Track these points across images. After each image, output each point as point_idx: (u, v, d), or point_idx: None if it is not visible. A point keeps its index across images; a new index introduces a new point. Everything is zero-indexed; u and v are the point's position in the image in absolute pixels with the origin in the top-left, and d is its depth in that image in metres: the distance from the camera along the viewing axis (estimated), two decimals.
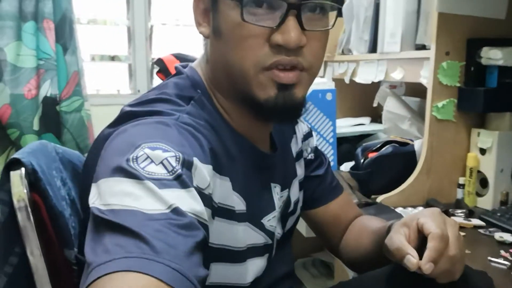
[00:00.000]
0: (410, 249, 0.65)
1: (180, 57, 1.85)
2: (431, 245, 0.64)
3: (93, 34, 2.13)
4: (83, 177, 0.75)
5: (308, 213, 0.97)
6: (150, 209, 0.52)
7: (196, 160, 0.60)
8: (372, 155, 1.40)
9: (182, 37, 2.40)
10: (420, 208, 1.24)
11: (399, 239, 0.67)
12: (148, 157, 0.56)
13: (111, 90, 2.33)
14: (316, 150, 0.99)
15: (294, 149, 0.92)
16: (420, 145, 1.38)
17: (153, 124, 0.63)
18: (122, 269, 0.47)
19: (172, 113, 0.67)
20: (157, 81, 2.27)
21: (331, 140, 1.60)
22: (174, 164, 0.57)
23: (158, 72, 1.92)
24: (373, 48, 1.67)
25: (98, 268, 0.47)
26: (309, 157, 0.97)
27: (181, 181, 0.56)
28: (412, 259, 0.64)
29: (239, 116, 0.74)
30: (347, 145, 1.71)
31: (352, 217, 0.98)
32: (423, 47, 1.42)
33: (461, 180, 1.32)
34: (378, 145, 1.44)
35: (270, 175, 0.81)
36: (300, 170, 0.93)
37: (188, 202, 0.55)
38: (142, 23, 2.28)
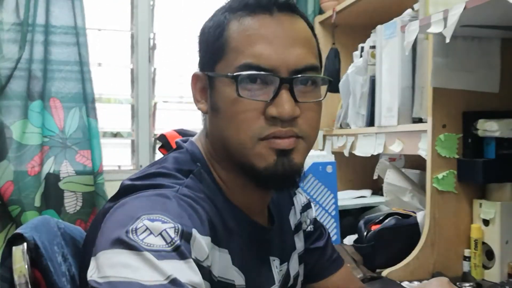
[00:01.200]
0: None
1: (182, 133, 1.88)
2: None
3: (98, 112, 2.18)
4: (83, 253, 0.75)
5: (308, 286, 0.95)
6: (148, 280, 0.52)
7: (195, 232, 0.61)
8: (375, 227, 1.39)
9: (184, 113, 2.46)
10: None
11: None
12: (147, 228, 0.57)
13: (112, 166, 2.35)
14: (315, 222, 0.98)
15: (293, 221, 0.91)
16: (422, 217, 1.37)
17: (153, 196, 0.65)
18: None
19: (172, 186, 0.68)
20: (159, 156, 2.29)
21: (333, 213, 1.59)
22: (173, 235, 0.58)
23: (160, 148, 1.95)
24: (370, 122, 1.71)
25: None
26: (309, 229, 0.96)
27: (180, 252, 0.57)
28: None
29: (238, 188, 0.75)
30: (349, 218, 1.71)
31: None
32: (420, 120, 1.46)
33: (467, 252, 1.30)
34: (381, 217, 1.43)
35: (268, 249, 0.80)
36: (299, 243, 0.92)
37: (186, 273, 0.56)
38: (145, 101, 2.35)
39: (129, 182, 0.71)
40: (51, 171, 2.06)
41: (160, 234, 0.57)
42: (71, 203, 2.12)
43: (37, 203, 2.02)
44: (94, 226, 0.70)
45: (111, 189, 2.18)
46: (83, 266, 0.70)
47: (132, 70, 2.35)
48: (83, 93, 2.08)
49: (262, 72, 0.68)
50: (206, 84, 0.75)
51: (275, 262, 0.81)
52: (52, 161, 2.07)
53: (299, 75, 0.70)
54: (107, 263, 0.55)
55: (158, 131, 2.36)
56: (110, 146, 2.38)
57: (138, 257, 0.54)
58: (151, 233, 0.57)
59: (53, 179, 2.07)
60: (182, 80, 2.45)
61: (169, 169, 0.73)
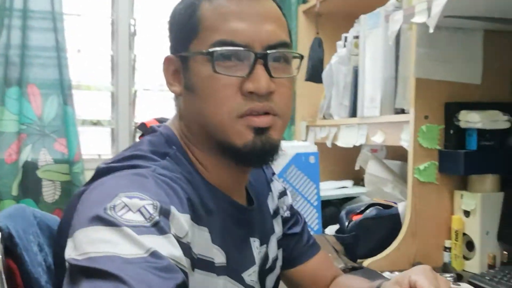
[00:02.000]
0: None
1: (163, 121, 1.86)
2: None
3: (76, 99, 2.14)
4: (58, 237, 0.73)
5: (286, 272, 0.96)
6: (128, 253, 0.53)
7: (173, 209, 0.61)
8: (356, 218, 1.40)
9: (165, 102, 2.43)
10: None
11: None
12: (125, 205, 0.57)
13: (92, 154, 2.31)
14: (291, 208, 1.00)
15: (271, 206, 0.92)
16: (403, 208, 1.38)
17: (130, 175, 0.64)
18: None
19: (148, 166, 0.68)
20: None
21: (315, 203, 1.59)
22: (151, 211, 0.58)
23: (140, 136, 1.92)
24: (353, 113, 1.70)
25: None
26: (285, 214, 0.97)
27: (159, 227, 0.57)
28: None
29: (215, 169, 0.76)
30: (331, 208, 1.71)
31: (331, 276, 0.97)
32: (402, 111, 1.46)
33: (447, 243, 1.31)
34: (362, 208, 1.43)
35: (248, 229, 0.81)
36: (277, 227, 0.93)
37: (166, 247, 0.56)
38: (126, 89, 2.31)
39: (104, 165, 0.71)
40: (29, 159, 2.02)
41: (139, 210, 0.57)
42: (50, 192, 2.08)
43: (15, 192, 1.99)
44: (69, 209, 0.68)
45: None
46: (58, 252, 0.68)
47: (112, 57, 2.31)
48: (60, 80, 2.04)
49: (237, 48, 0.69)
50: (179, 67, 0.76)
51: (255, 243, 0.82)
52: (30, 149, 2.03)
53: (274, 50, 0.71)
54: (86, 240, 0.55)
55: (139, 119, 2.32)
56: (89, 134, 2.34)
57: (118, 232, 0.54)
58: (129, 209, 0.57)
59: (31, 168, 2.03)
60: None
61: (144, 151, 0.72)
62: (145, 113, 2.35)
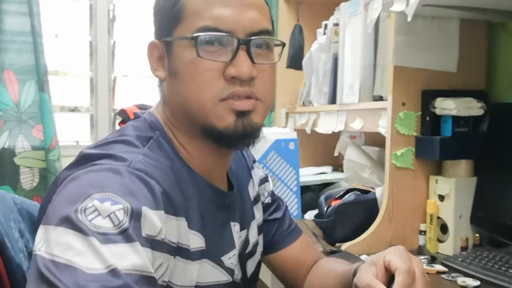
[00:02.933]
0: (379, 285, 0.68)
1: (143, 108, 1.85)
2: (398, 280, 0.67)
3: (53, 85, 2.11)
4: (39, 219, 0.73)
5: (269, 257, 0.99)
6: (89, 267, 0.54)
7: (145, 209, 0.62)
8: (335, 202, 1.42)
9: (145, 88, 2.41)
10: None
11: (368, 277, 0.69)
12: (96, 209, 0.58)
13: (69, 141, 2.29)
14: (272, 194, 1.02)
15: (252, 192, 0.94)
16: (381, 193, 1.41)
17: (104, 172, 0.65)
18: None
19: (125, 158, 0.68)
20: None
21: (294, 189, 1.61)
22: (121, 217, 0.59)
23: (120, 123, 1.91)
24: (332, 100, 1.72)
25: None
26: (266, 201, 1.00)
27: (126, 235, 0.58)
28: None
29: (198, 154, 0.77)
30: (310, 194, 1.73)
31: (313, 259, 0.99)
32: (380, 98, 1.48)
33: (422, 227, 1.34)
34: (341, 193, 1.46)
35: (229, 214, 0.83)
36: (258, 213, 0.94)
37: (129, 257, 0.57)
38: (105, 75, 2.29)
39: (87, 151, 0.71)
40: (6, 146, 2.00)
41: (109, 216, 0.58)
42: (27, 179, 2.06)
43: None
44: (48, 194, 0.69)
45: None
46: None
47: (90, 43, 2.28)
48: (36, 66, 2.01)
49: (221, 33, 0.71)
50: (163, 52, 0.77)
51: (235, 227, 0.84)
52: (7, 136, 2.00)
53: (256, 37, 0.73)
54: (54, 240, 0.56)
55: (118, 106, 2.31)
56: (68, 121, 2.32)
57: (84, 241, 0.56)
58: (99, 214, 0.58)
59: (8, 154, 2.00)
60: (143, 54, 2.39)
61: (128, 136, 0.73)
62: (124, 100, 2.34)
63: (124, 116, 1.89)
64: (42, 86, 2.01)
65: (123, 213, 0.59)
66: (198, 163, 0.77)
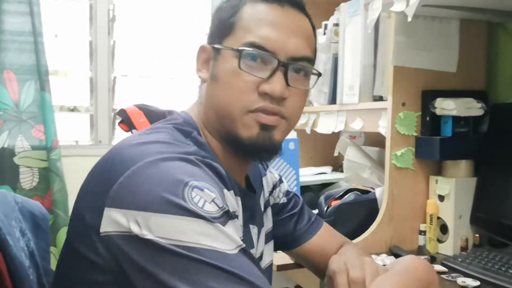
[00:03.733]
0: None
1: (143, 108, 1.85)
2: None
3: (53, 85, 2.11)
4: (85, 199, 0.72)
5: (295, 251, 1.03)
6: (228, 248, 0.61)
7: (225, 191, 0.69)
8: (335, 203, 1.42)
9: (145, 88, 2.41)
10: (384, 256, 1.25)
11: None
12: (201, 196, 0.63)
13: (69, 141, 2.29)
14: (287, 193, 1.05)
15: (261, 201, 0.96)
16: (381, 193, 1.41)
17: (179, 161, 0.68)
18: None
19: (186, 148, 0.72)
20: (119, 131, 2.25)
21: (294, 189, 1.61)
22: (220, 202, 0.65)
23: (120, 123, 1.91)
24: (332, 100, 1.72)
25: None
26: (282, 201, 1.03)
27: (229, 215, 0.65)
28: None
29: (224, 154, 0.82)
30: (310, 194, 1.73)
31: (337, 245, 1.02)
32: (380, 98, 1.48)
33: (422, 227, 1.35)
34: (341, 193, 1.46)
35: (250, 216, 0.86)
36: (266, 221, 0.96)
37: (237, 232, 0.65)
38: (105, 75, 2.29)
39: (141, 139, 0.72)
40: (6, 145, 2.00)
41: (213, 201, 0.64)
42: (27, 179, 2.06)
43: None
44: (107, 169, 0.70)
45: (67, 164, 2.13)
46: (79, 219, 0.70)
47: (90, 43, 2.28)
48: (37, 66, 2.01)
49: (264, 52, 0.76)
50: (210, 56, 0.82)
51: (254, 230, 0.87)
52: (7, 136, 2.00)
53: (295, 62, 0.78)
54: (173, 228, 0.60)
55: (118, 106, 2.31)
56: (67, 121, 2.32)
57: (209, 226, 0.61)
58: (205, 200, 0.63)
59: (7, 154, 2.01)
60: (143, 54, 2.39)
61: (171, 129, 0.77)
62: (124, 100, 2.34)
63: (123, 116, 1.88)
64: (43, 85, 2.02)
65: (219, 198, 0.65)
66: (224, 163, 0.80)
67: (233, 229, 0.64)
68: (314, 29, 0.84)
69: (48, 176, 2.05)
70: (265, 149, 0.78)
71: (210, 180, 0.67)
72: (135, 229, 0.61)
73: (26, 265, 0.77)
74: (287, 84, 0.77)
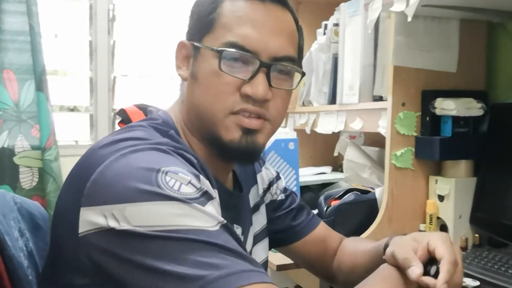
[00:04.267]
0: (417, 261, 0.70)
1: (143, 108, 1.85)
2: (445, 268, 0.68)
3: (53, 85, 2.11)
4: (63, 200, 0.72)
5: (295, 246, 1.01)
6: (209, 226, 0.60)
7: (201, 177, 0.67)
8: (334, 202, 1.42)
9: (145, 88, 2.41)
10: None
11: (408, 251, 0.71)
12: (176, 180, 0.62)
13: (68, 141, 2.29)
14: (285, 190, 1.04)
15: (253, 199, 0.94)
16: (380, 193, 1.41)
17: (152, 151, 0.67)
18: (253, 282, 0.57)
19: (158, 140, 0.71)
20: None
21: (294, 189, 1.61)
22: (197, 183, 0.64)
23: (120, 123, 1.91)
24: (332, 100, 1.72)
25: (224, 281, 0.55)
26: (279, 198, 1.02)
27: (208, 195, 0.65)
28: (416, 270, 0.69)
29: (206, 155, 0.79)
30: (309, 194, 1.73)
31: (338, 241, 1.02)
32: (380, 99, 1.48)
33: (422, 227, 1.35)
34: (340, 193, 1.46)
35: (234, 216, 0.84)
36: (257, 220, 0.95)
37: (218, 212, 0.65)
38: (105, 74, 2.29)
39: (117, 136, 0.71)
40: (5, 145, 1.99)
41: (190, 182, 0.63)
42: (27, 179, 2.06)
43: None
44: (82, 171, 0.68)
45: (67, 164, 2.12)
46: (61, 216, 0.70)
47: (90, 43, 2.28)
48: (33, 66, 2.00)
49: (245, 53, 0.74)
50: (190, 53, 0.79)
51: (238, 230, 0.85)
52: (7, 135, 2.00)
53: (277, 63, 0.75)
54: (150, 214, 0.59)
55: (118, 106, 2.31)
56: (67, 121, 2.32)
57: (188, 207, 0.60)
58: (181, 183, 0.62)
59: (7, 154, 2.00)
60: (143, 54, 2.39)
61: (146, 127, 0.75)
62: (124, 100, 2.33)
63: (123, 116, 1.89)
64: (39, 85, 2.01)
65: (195, 179, 0.64)
66: (206, 163, 0.78)
67: (213, 209, 0.63)
68: (297, 24, 0.82)
69: (44, 176, 2.05)
70: (248, 153, 0.77)
71: (184, 166, 0.66)
72: (113, 223, 0.60)
73: (25, 265, 0.77)
74: (270, 85, 0.75)
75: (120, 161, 0.64)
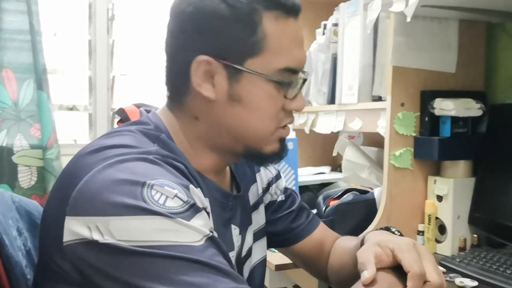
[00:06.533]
0: (371, 266, 0.69)
1: (141, 107, 1.85)
2: (411, 284, 0.66)
3: (52, 84, 2.11)
4: (49, 207, 0.71)
5: (294, 248, 1.01)
6: (193, 241, 0.59)
7: (191, 186, 0.67)
8: (333, 202, 1.42)
9: (144, 87, 2.41)
10: None
11: (368, 257, 0.70)
12: (162, 193, 0.61)
13: (67, 140, 2.29)
14: (286, 190, 1.04)
15: (252, 197, 0.94)
16: (379, 193, 1.41)
17: (138, 161, 0.65)
18: None
19: (147, 148, 0.69)
20: None
21: (293, 189, 1.61)
22: (184, 196, 0.63)
23: (119, 122, 1.91)
24: (331, 100, 1.72)
25: None
26: (279, 199, 1.01)
27: (196, 207, 0.63)
28: (366, 274, 0.68)
29: (210, 162, 0.80)
30: (308, 194, 1.73)
31: (333, 241, 1.01)
32: (379, 99, 1.48)
33: (420, 227, 1.35)
34: (339, 193, 1.46)
35: (231, 216, 0.84)
36: (257, 219, 0.95)
37: (207, 224, 0.64)
38: (104, 74, 2.28)
39: (102, 142, 0.70)
40: (4, 144, 1.99)
41: (176, 196, 0.62)
42: (26, 178, 2.06)
43: None
44: (66, 179, 0.68)
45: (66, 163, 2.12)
46: (48, 224, 0.69)
47: (89, 42, 2.28)
48: (35, 65, 2.00)
49: (298, 75, 0.77)
50: (215, 71, 0.73)
51: (235, 231, 0.85)
52: (5, 134, 1.99)
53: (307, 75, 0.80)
54: (133, 229, 0.58)
55: (117, 105, 2.31)
56: (66, 120, 2.32)
57: (171, 221, 0.59)
58: (167, 197, 0.61)
59: (6, 153, 2.00)
60: (142, 53, 2.39)
61: (135, 132, 0.73)
62: (123, 99, 2.34)
63: (122, 115, 1.89)
64: (40, 84, 2.01)
65: (183, 192, 0.63)
66: (206, 167, 0.79)
67: (202, 222, 0.63)
68: None
69: (45, 175, 2.05)
70: (283, 157, 0.81)
71: (171, 177, 0.65)
72: (96, 236, 0.59)
73: (23, 264, 0.77)
74: None
75: (106, 171, 0.63)
